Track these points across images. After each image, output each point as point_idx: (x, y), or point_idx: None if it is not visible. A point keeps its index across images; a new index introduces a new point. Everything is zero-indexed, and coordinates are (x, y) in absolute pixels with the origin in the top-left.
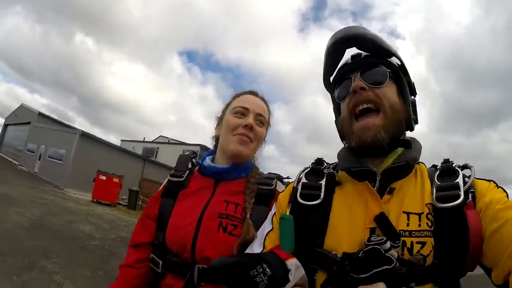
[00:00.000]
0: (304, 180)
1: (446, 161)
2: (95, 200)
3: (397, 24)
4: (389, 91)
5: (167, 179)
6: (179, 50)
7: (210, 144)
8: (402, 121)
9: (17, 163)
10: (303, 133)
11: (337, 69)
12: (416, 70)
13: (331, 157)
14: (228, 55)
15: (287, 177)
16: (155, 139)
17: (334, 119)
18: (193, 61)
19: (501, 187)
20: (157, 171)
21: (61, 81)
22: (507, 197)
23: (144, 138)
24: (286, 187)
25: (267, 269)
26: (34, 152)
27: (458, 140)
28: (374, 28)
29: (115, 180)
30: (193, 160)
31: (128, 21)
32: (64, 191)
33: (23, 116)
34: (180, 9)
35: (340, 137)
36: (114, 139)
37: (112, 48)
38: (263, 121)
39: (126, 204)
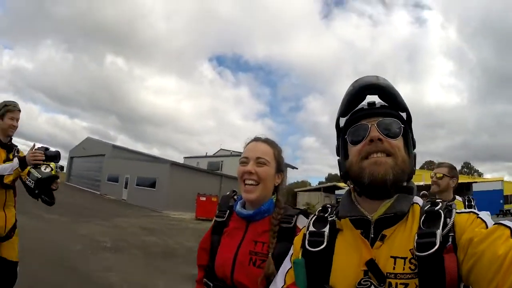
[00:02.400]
0: (311, 228)
1: (433, 204)
2: (198, 218)
3: None
4: (401, 145)
5: (214, 219)
6: (208, 56)
7: None
8: (406, 174)
9: (98, 192)
10: None
11: (351, 112)
12: (449, 40)
13: None
14: (256, 53)
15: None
16: (215, 153)
17: (338, 158)
18: (223, 65)
19: (480, 217)
20: (232, 183)
21: (98, 103)
22: (486, 226)
23: (206, 153)
24: (308, 219)
25: None
26: (117, 182)
27: (503, 108)
28: (399, 1)
29: (213, 199)
30: (234, 197)
31: (154, 35)
32: (164, 214)
33: (92, 149)
34: (203, 17)
35: (344, 177)
36: (157, 152)
37: (143, 64)
38: (263, 161)
39: None
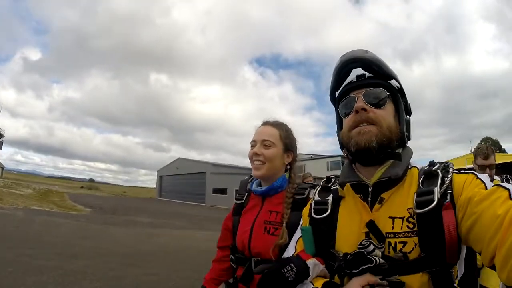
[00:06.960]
0: (316, 197)
1: (430, 164)
2: None
3: None
4: (387, 113)
5: (234, 202)
6: (247, 59)
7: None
8: (393, 140)
9: (203, 204)
10: None
11: (342, 86)
12: (486, 2)
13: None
14: (294, 49)
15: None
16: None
17: (336, 129)
18: (264, 65)
19: (479, 178)
20: None
21: (148, 119)
22: (485, 187)
23: None
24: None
25: (294, 267)
26: (224, 193)
27: None
28: None
29: None
30: (250, 183)
31: (193, 49)
32: None
33: (185, 167)
34: (235, 24)
35: (341, 147)
36: (210, 157)
37: (186, 77)
38: (269, 143)
39: None
